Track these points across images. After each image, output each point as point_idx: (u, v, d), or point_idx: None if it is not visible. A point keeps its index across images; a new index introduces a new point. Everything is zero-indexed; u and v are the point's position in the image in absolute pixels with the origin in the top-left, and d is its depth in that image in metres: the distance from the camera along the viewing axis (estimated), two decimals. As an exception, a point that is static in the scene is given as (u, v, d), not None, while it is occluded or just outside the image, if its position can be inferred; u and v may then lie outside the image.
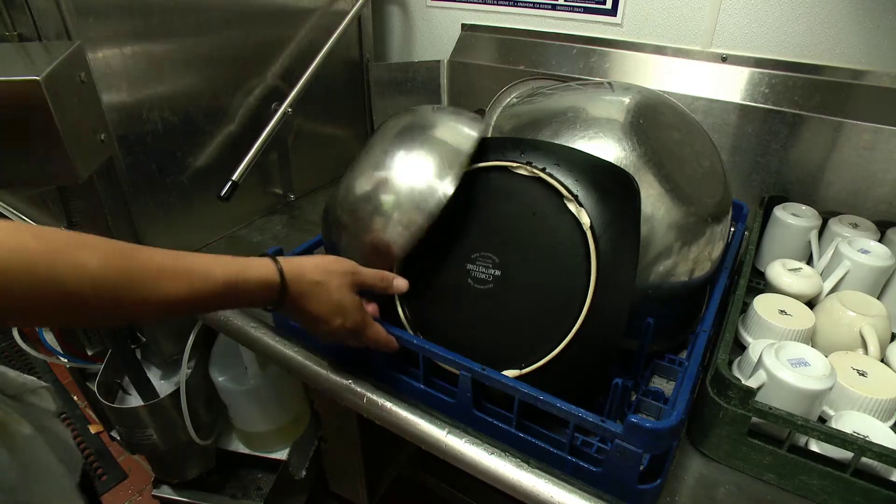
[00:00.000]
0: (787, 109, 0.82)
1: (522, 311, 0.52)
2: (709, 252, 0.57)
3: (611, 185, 0.51)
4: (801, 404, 0.49)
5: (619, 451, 0.45)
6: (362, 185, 0.57)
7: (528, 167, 0.52)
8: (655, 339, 0.56)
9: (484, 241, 0.54)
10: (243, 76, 0.85)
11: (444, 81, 1.12)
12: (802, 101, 0.82)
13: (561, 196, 0.51)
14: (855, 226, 0.75)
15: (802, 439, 0.51)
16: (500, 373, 0.50)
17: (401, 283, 0.54)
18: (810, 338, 0.61)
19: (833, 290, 0.67)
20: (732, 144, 0.88)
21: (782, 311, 0.62)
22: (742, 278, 0.64)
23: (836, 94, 0.80)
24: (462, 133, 0.56)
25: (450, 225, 0.55)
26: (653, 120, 0.57)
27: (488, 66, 1.06)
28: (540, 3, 1.01)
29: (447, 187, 0.53)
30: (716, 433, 0.51)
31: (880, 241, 0.71)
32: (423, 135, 0.57)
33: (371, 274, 0.52)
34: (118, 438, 0.98)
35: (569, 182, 0.51)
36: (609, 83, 0.62)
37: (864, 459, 0.45)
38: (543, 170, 0.52)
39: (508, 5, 1.05)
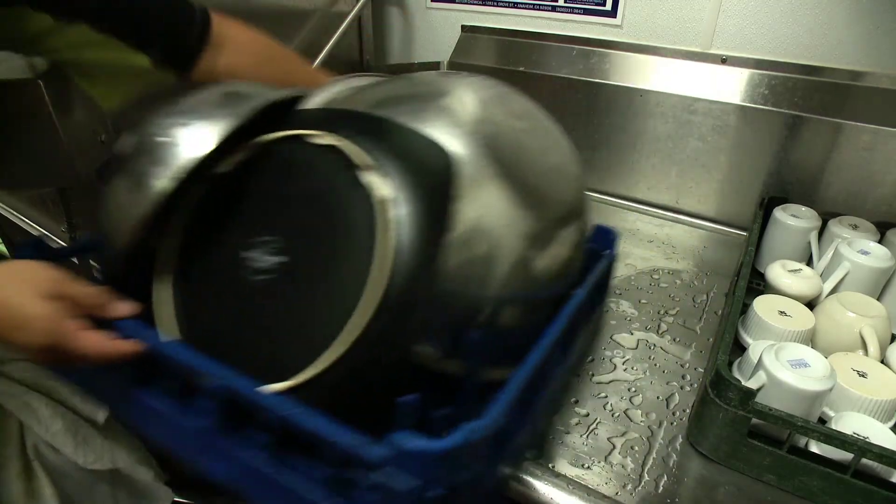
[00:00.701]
0: (786, 111, 0.83)
1: (307, 308, 0.41)
2: (560, 262, 0.48)
3: (419, 160, 0.42)
4: (800, 405, 0.49)
5: (382, 489, 0.32)
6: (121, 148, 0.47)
7: (322, 134, 0.44)
8: (492, 364, 0.45)
9: (268, 223, 0.45)
10: (243, 77, 0.85)
11: (444, 83, 1.12)
12: (802, 102, 0.82)
13: (359, 166, 0.42)
14: (855, 227, 0.75)
15: (802, 440, 0.51)
16: (254, 384, 0.38)
17: (119, 309, 0.44)
18: (810, 339, 0.61)
19: (833, 291, 0.67)
20: (732, 146, 0.88)
21: (782, 312, 0.62)
22: (742, 279, 0.64)
23: (836, 95, 0.80)
24: (253, 102, 0.47)
25: (229, 207, 0.47)
26: (498, 114, 0.48)
27: (488, 67, 1.06)
28: (540, 5, 1.02)
29: (196, 152, 0.43)
30: (716, 434, 0.51)
31: (880, 242, 0.71)
32: (208, 100, 0.47)
33: (82, 290, 0.43)
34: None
35: (370, 151, 0.41)
36: (448, 72, 0.53)
37: (864, 461, 0.45)
38: (344, 136, 0.43)
39: (508, 7, 1.05)
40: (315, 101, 0.51)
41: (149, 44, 0.55)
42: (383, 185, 0.40)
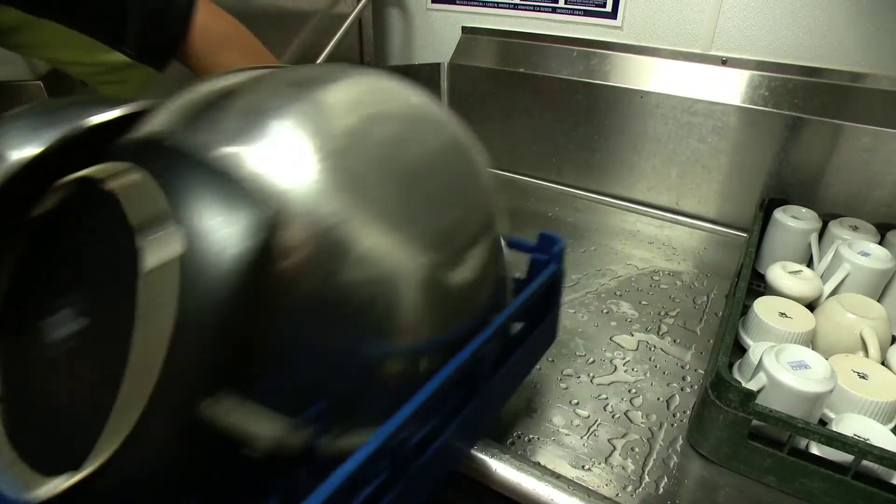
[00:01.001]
0: (787, 112, 0.83)
1: (103, 384, 0.34)
2: (458, 295, 0.38)
3: (234, 203, 0.33)
4: (801, 407, 0.49)
5: None
6: None
7: (124, 171, 0.35)
8: (354, 428, 0.36)
9: (72, 280, 0.38)
10: (244, 78, 0.85)
11: (444, 84, 1.12)
12: (802, 103, 0.82)
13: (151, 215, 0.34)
14: (855, 228, 0.75)
15: (803, 442, 0.51)
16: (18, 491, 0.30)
17: None
18: (811, 340, 0.61)
19: (833, 293, 0.67)
20: (732, 147, 0.88)
21: (782, 314, 0.62)
22: (742, 281, 0.64)
23: (836, 96, 0.80)
24: (67, 127, 0.38)
25: (42, 259, 0.40)
26: (366, 121, 0.38)
27: (488, 68, 1.06)
28: (540, 6, 1.02)
29: None
30: (716, 436, 0.51)
31: (880, 243, 0.71)
32: (20, 121, 0.38)
33: None
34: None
35: (172, 194, 0.33)
36: (322, 66, 0.44)
37: (864, 462, 0.45)
38: (149, 173, 0.35)
39: (508, 8, 1.05)
40: (156, 121, 0.38)
41: (121, 40, 0.52)
42: (175, 237, 0.32)
